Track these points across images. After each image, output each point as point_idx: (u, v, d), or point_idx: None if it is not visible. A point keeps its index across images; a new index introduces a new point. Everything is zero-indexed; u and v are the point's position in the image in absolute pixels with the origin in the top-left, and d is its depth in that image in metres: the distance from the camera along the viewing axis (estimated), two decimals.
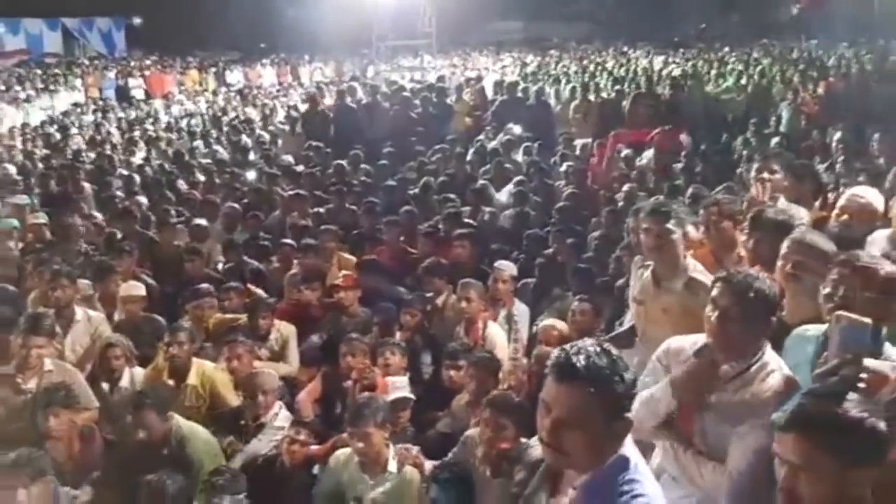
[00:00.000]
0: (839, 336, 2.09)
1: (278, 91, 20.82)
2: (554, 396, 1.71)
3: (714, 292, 2.36)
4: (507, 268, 5.26)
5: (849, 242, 3.41)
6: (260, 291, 5.84)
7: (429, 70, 20.13)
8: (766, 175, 4.22)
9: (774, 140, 9.26)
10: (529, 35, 31.82)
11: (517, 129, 11.43)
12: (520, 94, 12.46)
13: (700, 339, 2.41)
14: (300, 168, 9.85)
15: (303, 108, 14.30)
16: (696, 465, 2.34)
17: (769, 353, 2.35)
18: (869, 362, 2.07)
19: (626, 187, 7.75)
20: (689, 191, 6.88)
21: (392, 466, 3.56)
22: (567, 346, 1.73)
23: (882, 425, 1.58)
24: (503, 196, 8.17)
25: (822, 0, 24.41)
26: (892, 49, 15.50)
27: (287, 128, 12.82)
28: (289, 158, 10.79)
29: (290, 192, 8.27)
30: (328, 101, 13.86)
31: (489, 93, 13.68)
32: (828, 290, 2.46)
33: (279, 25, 28.60)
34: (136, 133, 13.74)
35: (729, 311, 2.28)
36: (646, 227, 3.39)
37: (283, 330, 5.21)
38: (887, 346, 2.31)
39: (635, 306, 3.55)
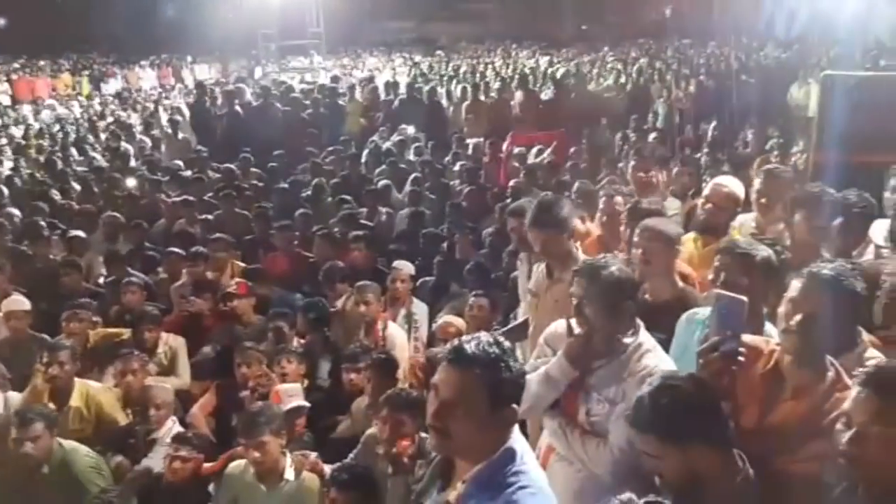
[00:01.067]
0: (717, 314, 2.22)
1: (160, 94, 19.91)
2: (443, 378, 1.75)
3: (574, 283, 2.51)
4: (404, 267, 5.29)
5: (714, 228, 3.69)
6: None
7: (319, 70, 19.83)
8: (641, 174, 4.48)
9: (652, 135, 9.77)
10: (420, 35, 31.98)
11: (411, 130, 11.52)
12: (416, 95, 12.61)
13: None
14: (187, 173, 9.49)
15: (187, 111, 13.77)
16: (581, 443, 2.45)
17: (643, 334, 2.50)
18: (746, 338, 2.22)
19: (512, 182, 7.95)
20: (576, 185, 7.22)
21: (289, 474, 3.50)
22: (463, 336, 1.79)
23: None
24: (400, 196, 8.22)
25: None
26: (753, 48, 16.74)
27: (170, 131, 12.30)
28: (176, 163, 10.38)
29: (177, 199, 7.95)
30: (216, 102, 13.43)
31: (381, 93, 13.70)
32: (711, 275, 2.66)
33: (159, 24, 27.30)
34: (3, 140, 12.78)
35: (583, 296, 2.44)
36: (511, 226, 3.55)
37: (172, 343, 5.02)
38: (767, 325, 2.50)
39: (529, 298, 3.66)
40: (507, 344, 1.79)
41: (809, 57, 13.77)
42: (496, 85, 14.01)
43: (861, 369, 1.77)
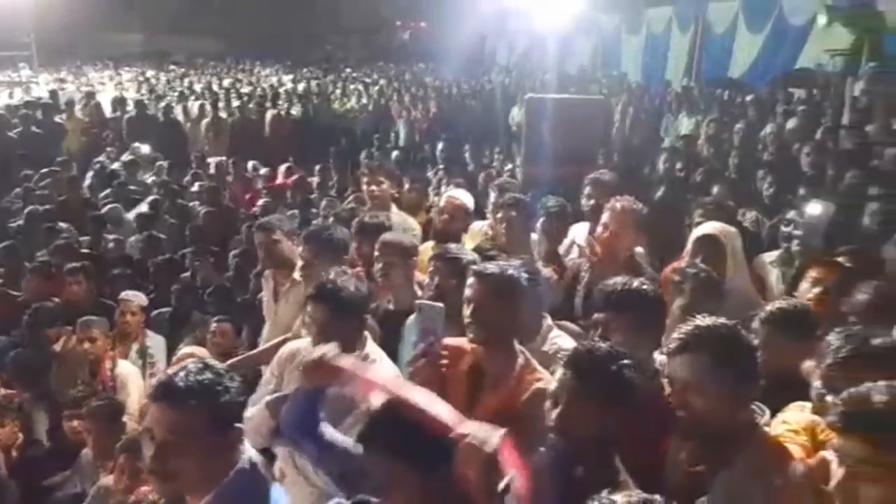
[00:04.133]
0: (419, 322, 2.37)
1: None
2: (157, 419, 1.65)
3: (309, 301, 2.53)
4: (134, 298, 4.86)
5: (447, 236, 3.95)
6: None
7: (30, 85, 17.56)
8: (374, 187, 4.65)
9: (395, 153, 10.17)
10: (150, 49, 29.86)
11: (145, 149, 10.71)
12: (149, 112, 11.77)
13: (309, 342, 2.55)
14: None
15: None
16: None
17: (370, 345, 2.59)
18: (449, 340, 2.39)
19: (261, 202, 7.78)
20: (323, 202, 7.28)
21: None
22: (170, 370, 1.67)
23: None
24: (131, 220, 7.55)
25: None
26: (479, 74, 18.28)
27: None
28: None
29: None
30: None
31: (107, 110, 12.58)
32: (427, 280, 2.83)
33: None
34: None
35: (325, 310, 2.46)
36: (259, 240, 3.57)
37: None
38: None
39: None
40: (218, 365, 1.72)
41: (527, 81, 15.35)
42: (237, 103, 13.59)
43: (562, 352, 1.99)
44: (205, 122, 11.99)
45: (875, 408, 1.43)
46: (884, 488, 1.40)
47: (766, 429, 1.92)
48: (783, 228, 3.81)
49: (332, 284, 2.52)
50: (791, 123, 7.90)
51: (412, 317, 2.85)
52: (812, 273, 2.87)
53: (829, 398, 1.78)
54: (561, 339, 2.73)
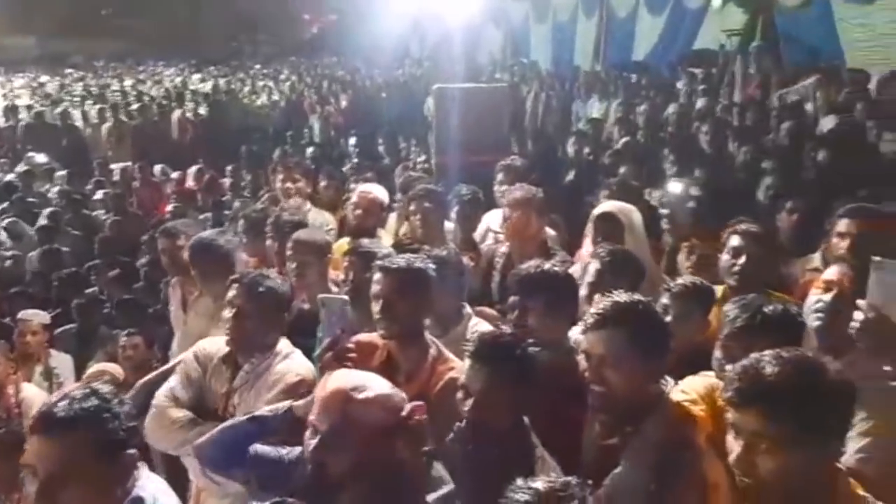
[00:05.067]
0: (324, 316, 2.34)
1: None
2: (38, 453, 1.55)
3: (229, 293, 2.46)
4: (34, 317, 4.59)
5: (362, 231, 3.90)
6: None
7: None
8: (289, 185, 4.55)
9: (310, 149, 9.99)
10: (46, 52, 28.22)
11: (41, 158, 10.16)
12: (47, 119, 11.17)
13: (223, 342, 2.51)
14: None
15: None
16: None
17: (283, 342, 2.54)
18: (361, 336, 2.38)
19: (169, 207, 7.51)
20: (235, 204, 7.10)
21: None
22: (50, 399, 1.58)
23: None
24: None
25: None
26: (392, 66, 18.17)
27: None
28: None
29: None
30: None
31: None
32: (341, 276, 2.79)
33: None
34: None
35: (243, 308, 2.40)
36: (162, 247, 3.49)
37: None
38: None
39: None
40: (104, 389, 1.63)
41: (441, 73, 15.37)
42: (138, 105, 13.05)
43: (467, 342, 2.00)
44: (106, 126, 11.47)
45: (766, 381, 1.44)
46: (781, 459, 1.42)
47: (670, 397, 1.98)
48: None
49: (255, 279, 2.49)
50: (700, 103, 8.20)
51: None
52: (686, 245, 3.00)
53: (728, 367, 1.84)
54: (481, 327, 2.74)
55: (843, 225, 2.91)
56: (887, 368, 2.03)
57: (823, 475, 1.47)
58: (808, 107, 7.47)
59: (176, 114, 12.05)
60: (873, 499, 1.50)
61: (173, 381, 2.52)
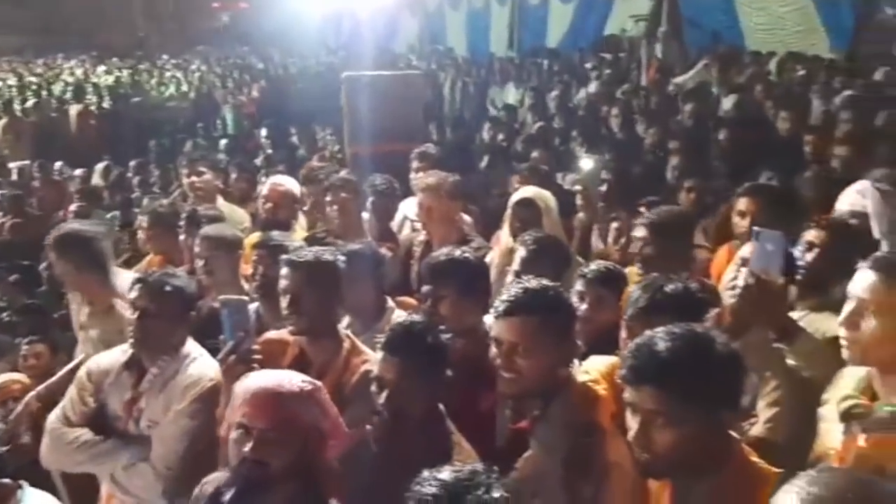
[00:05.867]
0: (226, 318, 2.24)
1: None
2: None
3: (132, 294, 2.37)
4: None
5: (274, 225, 3.80)
6: None
7: None
8: (195, 179, 4.39)
9: (223, 142, 9.69)
10: None
11: None
12: None
13: (122, 350, 2.42)
14: None
15: None
16: (127, 477, 2.32)
17: (190, 344, 2.46)
18: (269, 334, 2.34)
19: (73, 206, 7.14)
20: (144, 201, 6.84)
21: None
22: None
23: None
24: None
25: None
26: (306, 55, 17.83)
27: None
28: None
29: None
30: None
31: None
32: (251, 271, 2.71)
33: None
34: None
35: (147, 309, 2.32)
36: None
37: None
38: None
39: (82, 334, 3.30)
40: None
41: (357, 61, 15.16)
42: (34, 100, 12.33)
43: (381, 335, 1.98)
44: (1, 123, 10.80)
45: (658, 357, 1.45)
46: (676, 433, 1.44)
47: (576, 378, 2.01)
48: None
49: (159, 278, 2.39)
50: (593, 87, 8.39)
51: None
52: (613, 225, 3.06)
53: None
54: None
55: (742, 203, 2.99)
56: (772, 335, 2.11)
57: (718, 445, 1.51)
58: (714, 89, 7.77)
59: (75, 108, 11.43)
60: (767, 465, 1.56)
61: (65, 402, 2.42)
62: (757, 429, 2.10)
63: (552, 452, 1.81)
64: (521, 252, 2.76)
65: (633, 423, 1.50)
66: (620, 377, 1.53)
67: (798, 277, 2.37)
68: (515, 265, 2.74)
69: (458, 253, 2.52)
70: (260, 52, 19.69)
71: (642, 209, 2.95)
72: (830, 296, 2.27)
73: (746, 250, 2.37)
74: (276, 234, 2.94)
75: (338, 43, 18.68)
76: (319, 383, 1.80)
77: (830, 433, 1.76)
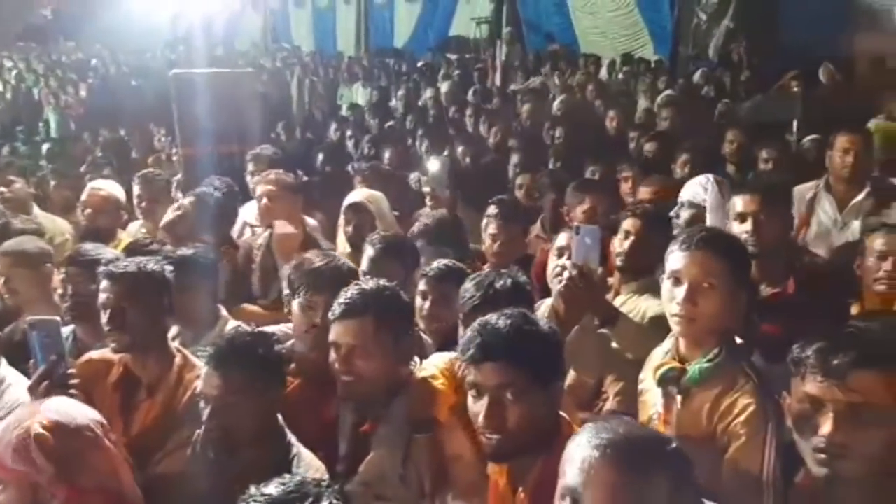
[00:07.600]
0: (36, 341, 2.02)
1: None
2: None
3: None
4: None
5: (95, 233, 3.53)
6: None
7: None
8: (2, 189, 4.03)
9: (46, 146, 8.88)
10: None
11: None
12: None
13: None
14: None
15: None
16: None
17: (4, 368, 2.26)
18: (91, 353, 2.23)
19: None
20: None
21: None
22: None
23: None
24: None
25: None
26: (140, 50, 16.75)
27: None
28: None
29: None
30: None
31: None
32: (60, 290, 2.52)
33: None
34: None
35: None
36: None
37: None
38: None
39: None
40: None
41: (198, 58, 14.42)
42: None
43: (207, 348, 1.88)
44: None
45: (503, 333, 1.51)
46: (524, 406, 1.48)
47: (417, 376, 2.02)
48: None
49: None
50: (444, 87, 8.57)
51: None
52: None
53: None
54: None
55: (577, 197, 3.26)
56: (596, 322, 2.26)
57: (553, 420, 1.58)
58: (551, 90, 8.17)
59: None
60: None
61: None
62: (609, 404, 2.31)
63: (393, 451, 1.81)
64: (368, 252, 2.73)
65: (479, 407, 1.52)
66: (465, 358, 1.56)
67: (619, 264, 2.53)
68: (363, 265, 2.71)
69: (334, 262, 2.37)
70: (87, 48, 18.24)
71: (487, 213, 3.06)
72: (651, 278, 2.45)
73: (562, 239, 2.52)
74: (87, 246, 2.68)
75: (176, 37, 17.71)
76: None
77: (651, 400, 1.89)
